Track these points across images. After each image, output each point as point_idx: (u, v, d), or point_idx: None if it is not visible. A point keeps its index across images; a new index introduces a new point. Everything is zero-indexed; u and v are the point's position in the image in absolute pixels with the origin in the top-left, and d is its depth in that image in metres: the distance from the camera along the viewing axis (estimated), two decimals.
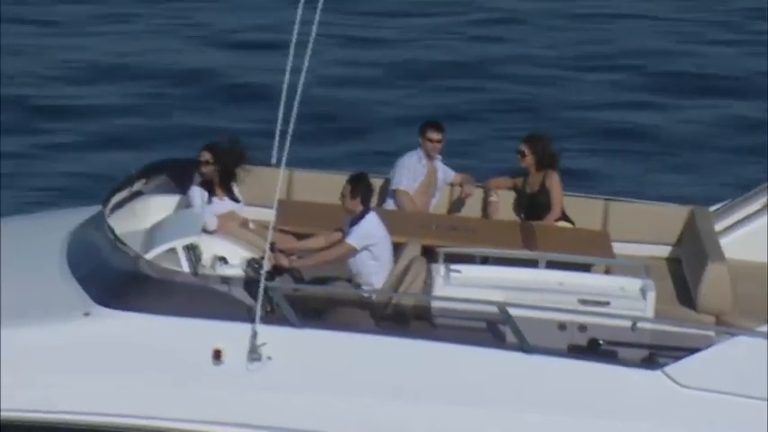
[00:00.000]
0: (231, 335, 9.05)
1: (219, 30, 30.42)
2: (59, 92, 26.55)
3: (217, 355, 8.92)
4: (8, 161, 21.91)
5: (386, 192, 11.82)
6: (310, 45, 8.99)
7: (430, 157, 11.62)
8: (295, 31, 9.02)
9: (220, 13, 31.52)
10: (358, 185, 9.85)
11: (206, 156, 10.56)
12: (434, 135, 11.64)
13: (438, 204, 11.87)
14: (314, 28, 8.87)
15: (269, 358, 8.99)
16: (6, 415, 9.09)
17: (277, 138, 9.47)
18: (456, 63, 28.42)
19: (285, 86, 9.47)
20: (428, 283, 9.87)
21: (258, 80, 26.04)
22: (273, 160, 10.53)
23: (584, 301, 9.54)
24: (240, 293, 9.43)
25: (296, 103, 8.92)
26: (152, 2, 32.09)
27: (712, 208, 12.16)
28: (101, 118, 24.60)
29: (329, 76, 24.30)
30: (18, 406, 9.19)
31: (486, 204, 12.02)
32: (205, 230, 9.97)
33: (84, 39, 29.98)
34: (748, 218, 11.87)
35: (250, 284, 9.36)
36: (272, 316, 9.16)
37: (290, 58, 9.21)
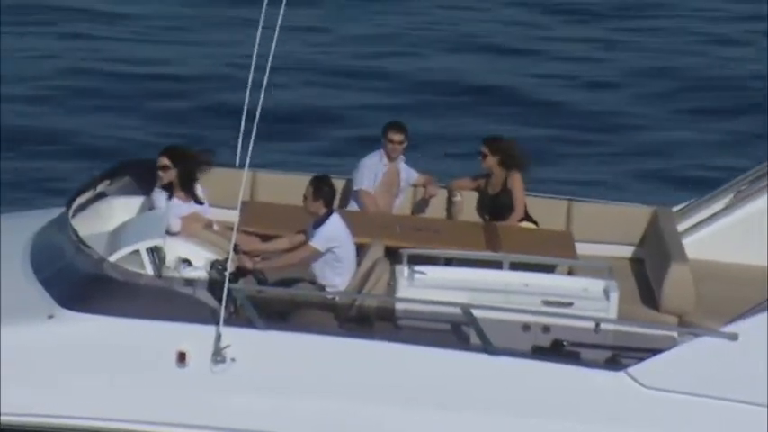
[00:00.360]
0: (195, 337, 8.97)
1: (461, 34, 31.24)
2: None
3: (181, 357, 8.88)
4: None
5: (348, 193, 11.67)
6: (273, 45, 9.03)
7: (391, 158, 11.52)
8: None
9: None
10: (320, 187, 9.81)
11: (164, 161, 10.54)
12: (396, 136, 11.55)
13: (401, 205, 11.84)
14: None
15: (233, 360, 8.90)
16: None
17: (240, 139, 9.25)
18: None
19: (249, 87, 9.28)
20: (392, 285, 9.82)
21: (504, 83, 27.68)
22: (237, 162, 10.23)
23: (547, 302, 9.56)
24: (204, 295, 9.34)
25: (259, 104, 8.78)
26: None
27: (675, 208, 12.02)
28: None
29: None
30: None
31: (449, 205, 11.94)
32: (168, 232, 9.83)
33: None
34: (711, 218, 11.88)
35: (214, 286, 9.27)
36: (236, 318, 9.14)
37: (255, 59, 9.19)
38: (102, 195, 11.14)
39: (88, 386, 9.08)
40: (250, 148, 9.21)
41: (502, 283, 9.88)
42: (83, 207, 10.79)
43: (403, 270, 9.71)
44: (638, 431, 9.14)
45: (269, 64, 8.84)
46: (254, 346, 9.12)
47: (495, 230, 11.36)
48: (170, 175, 10.48)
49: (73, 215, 10.47)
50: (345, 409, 9.18)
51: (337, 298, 10.05)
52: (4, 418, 9.04)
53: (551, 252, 10.93)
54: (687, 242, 11.40)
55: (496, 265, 10.22)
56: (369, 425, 9.22)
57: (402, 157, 11.78)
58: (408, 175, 11.69)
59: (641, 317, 10.61)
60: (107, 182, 11.54)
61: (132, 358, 9.10)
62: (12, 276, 10.01)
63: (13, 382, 8.94)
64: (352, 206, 11.74)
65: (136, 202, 11.22)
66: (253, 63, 9.14)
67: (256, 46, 8.93)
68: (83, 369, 9.06)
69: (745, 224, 11.93)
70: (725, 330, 9.02)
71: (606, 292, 9.87)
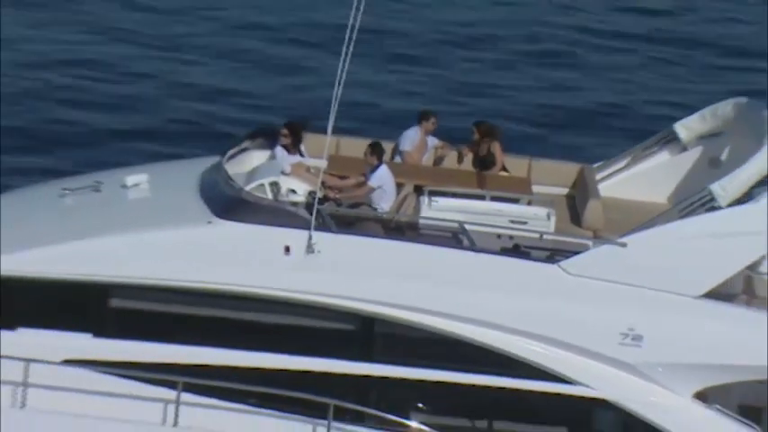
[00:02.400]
0: (296, 237, 13.03)
1: None
2: None
3: (287, 249, 13.02)
4: None
5: (395, 151, 15.89)
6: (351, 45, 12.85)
7: (426, 133, 15.88)
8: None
9: None
10: (375, 148, 14.19)
11: (284, 130, 14.74)
12: (431, 120, 16.04)
13: (426, 160, 16.05)
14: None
15: (318, 252, 13.01)
16: None
17: (332, 116, 13.05)
18: None
19: (339, 76, 12.84)
20: (417, 208, 14.07)
21: None
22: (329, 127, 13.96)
23: (512, 221, 13.79)
24: (303, 212, 13.39)
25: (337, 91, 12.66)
26: None
27: (596, 165, 16.40)
28: None
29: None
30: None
31: (459, 159, 16.30)
32: (283, 173, 13.97)
33: None
34: (618, 171, 16.24)
35: (309, 207, 13.39)
36: (322, 226, 13.16)
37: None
38: (244, 149, 15.15)
39: (240, 264, 13.16)
40: (331, 121, 13.05)
41: (484, 209, 14.08)
42: (232, 156, 14.73)
43: (425, 199, 13.95)
44: (564, 300, 13.30)
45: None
46: (331, 243, 13.14)
47: (483, 177, 15.49)
48: (286, 139, 14.62)
49: (226, 161, 14.39)
50: (383, 282, 13.24)
51: (383, 216, 14.11)
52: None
53: (516, 190, 14.99)
54: (601, 186, 15.47)
55: (482, 197, 14.34)
56: (401, 293, 13.23)
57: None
58: (431, 141, 15.91)
59: (569, 231, 14.48)
60: (248, 141, 15.45)
61: (265, 250, 13.21)
62: (187, 198, 14.25)
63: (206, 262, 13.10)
64: (396, 160, 15.65)
65: (264, 154, 15.15)
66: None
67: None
68: (234, 256, 13.14)
69: (641, 174, 16.02)
70: (619, 240, 13.13)
71: (548, 216, 14.00)
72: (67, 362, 13.00)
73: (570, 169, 16.60)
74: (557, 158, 17.55)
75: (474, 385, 13.89)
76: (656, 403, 13.72)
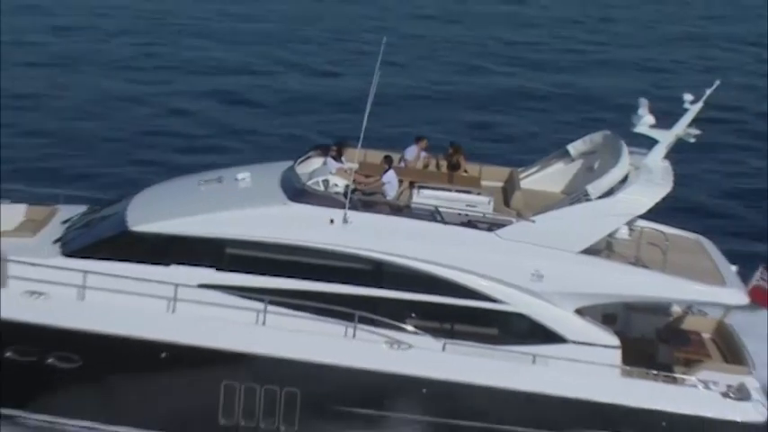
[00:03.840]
0: (337, 213, 19.29)
1: None
2: None
3: (331, 221, 19.38)
4: None
5: (400, 159, 21.98)
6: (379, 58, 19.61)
7: (420, 149, 22.05)
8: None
9: None
10: (386, 159, 20.76)
11: (333, 147, 21.00)
12: (422, 143, 22.19)
13: (418, 166, 22.20)
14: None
15: (351, 221, 19.33)
16: None
17: (363, 132, 19.49)
18: None
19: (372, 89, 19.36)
20: (410, 197, 20.32)
21: None
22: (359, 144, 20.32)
23: (468, 205, 20.02)
24: (341, 198, 19.51)
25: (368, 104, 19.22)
26: None
27: (519, 168, 22.27)
28: None
29: None
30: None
31: (437, 165, 22.30)
32: (330, 173, 20.24)
33: None
34: (532, 173, 22.31)
35: (345, 195, 19.50)
36: (352, 207, 19.36)
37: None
38: (308, 157, 21.37)
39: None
40: (361, 137, 19.41)
41: (450, 197, 20.16)
42: (300, 162, 21.03)
43: (415, 191, 20.26)
44: (497, 254, 19.33)
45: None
46: (358, 217, 19.38)
47: (452, 177, 21.61)
48: (333, 152, 20.96)
49: (296, 165, 20.72)
50: (388, 240, 19.27)
51: (390, 201, 20.32)
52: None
53: (471, 186, 21.13)
54: (522, 182, 21.57)
55: (449, 190, 20.48)
56: (398, 247, 19.23)
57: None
58: (423, 154, 22.11)
59: (502, 212, 20.55)
60: (311, 152, 21.70)
61: (313, 221, 19.26)
62: (272, 188, 20.32)
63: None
64: (401, 165, 21.78)
65: (319, 161, 21.39)
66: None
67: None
68: (301, 222, 19.34)
69: (547, 175, 22.16)
70: (531, 218, 19.53)
71: (489, 202, 20.16)
72: (201, 285, 19.38)
73: (503, 171, 22.74)
74: (496, 165, 23.29)
75: (443, 304, 19.71)
76: (551, 315, 19.66)
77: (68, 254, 19.93)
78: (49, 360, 19.43)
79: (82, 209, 22.38)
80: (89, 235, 20.62)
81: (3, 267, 19.27)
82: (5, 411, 19.95)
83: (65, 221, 21.62)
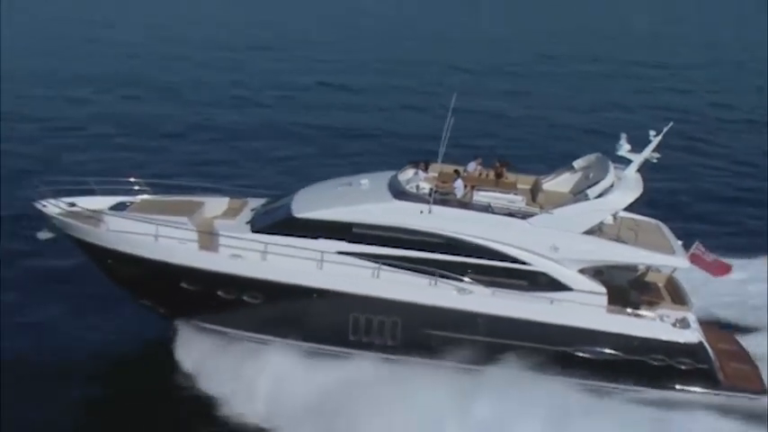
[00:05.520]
0: (425, 207, 27.66)
1: None
2: None
3: (421, 212, 28.06)
4: None
5: (465, 170, 30.56)
6: None
7: (477, 164, 30.64)
8: None
9: None
10: (456, 171, 29.65)
11: (422, 163, 29.97)
12: (479, 160, 31.15)
13: (476, 175, 30.81)
14: None
15: (433, 212, 27.69)
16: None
17: (441, 152, 28.83)
18: None
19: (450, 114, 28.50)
20: (471, 196, 29.23)
21: None
22: (439, 161, 29.54)
23: (509, 201, 29.19)
24: (428, 197, 27.99)
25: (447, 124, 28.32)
26: None
27: (542, 177, 30.98)
28: None
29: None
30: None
31: (488, 175, 30.69)
32: (420, 180, 29.54)
33: None
34: (550, 179, 30.81)
35: (430, 194, 27.94)
36: (435, 203, 27.71)
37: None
38: (406, 168, 30.05)
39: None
40: (440, 155, 28.80)
41: (496, 197, 28.97)
42: (401, 171, 29.92)
43: (475, 193, 29.05)
44: (528, 234, 27.49)
45: None
46: (438, 209, 27.69)
47: (497, 183, 30.55)
48: (422, 166, 29.95)
49: (399, 173, 29.61)
50: (458, 223, 27.39)
51: (459, 198, 29.19)
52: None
53: (510, 189, 29.70)
54: (544, 186, 30.40)
55: (495, 191, 29.39)
56: (465, 228, 27.44)
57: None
58: (479, 167, 30.80)
59: (531, 206, 29.16)
60: (407, 166, 30.31)
61: (411, 213, 27.52)
62: (382, 190, 28.48)
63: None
64: (464, 174, 30.23)
65: (412, 171, 29.81)
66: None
67: None
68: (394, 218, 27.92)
69: (560, 182, 30.87)
70: (551, 211, 28.45)
71: (523, 200, 29.09)
72: (337, 252, 27.42)
73: (531, 179, 30.61)
74: (526, 174, 31.07)
75: (492, 266, 27.18)
76: (562, 273, 27.43)
77: (255, 231, 29.02)
78: (244, 297, 28.52)
79: (263, 201, 31.49)
80: (268, 218, 29.66)
81: (216, 240, 29.31)
82: (219, 328, 29.43)
83: (253, 209, 30.84)
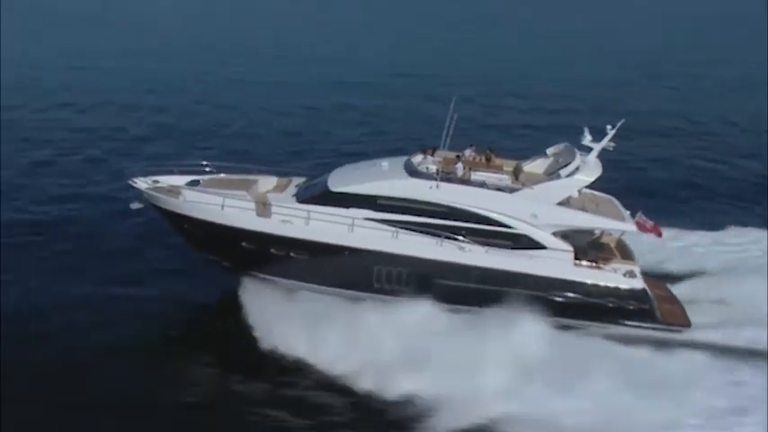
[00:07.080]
0: (433, 183, 34.02)
1: None
2: None
3: (430, 187, 33.78)
4: None
5: (462, 155, 37.56)
6: None
7: (473, 150, 37.39)
8: None
9: None
10: (458, 156, 36.63)
11: (429, 149, 36.42)
12: (473, 147, 37.82)
13: (471, 159, 37.77)
14: None
15: (440, 187, 33.95)
16: None
17: (444, 141, 36.25)
18: None
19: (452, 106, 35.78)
20: (469, 175, 35.95)
21: None
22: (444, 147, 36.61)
23: (498, 179, 36.97)
24: (435, 175, 34.49)
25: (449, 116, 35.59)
26: None
27: (523, 161, 37.93)
28: None
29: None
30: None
31: (480, 160, 37.70)
32: (429, 162, 36.01)
33: None
34: (528, 162, 38.00)
35: (437, 173, 34.60)
36: (441, 180, 34.08)
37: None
38: (417, 153, 36.43)
39: (425, 190, 34.04)
40: (443, 143, 36.42)
41: (488, 175, 36.04)
42: (413, 155, 36.32)
43: (471, 172, 36.05)
44: (514, 204, 34.28)
45: None
46: (444, 185, 34.04)
47: (488, 165, 37.48)
48: (430, 151, 36.47)
49: (412, 157, 35.77)
50: (460, 196, 33.84)
51: (460, 176, 36.01)
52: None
53: (497, 169, 37.00)
54: (524, 167, 37.29)
55: (487, 171, 36.51)
56: (466, 200, 33.61)
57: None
58: (474, 152, 37.92)
59: (515, 183, 36.05)
60: (418, 151, 36.52)
61: (421, 188, 33.85)
62: (400, 170, 34.94)
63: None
64: (463, 158, 37.01)
65: (422, 156, 36.26)
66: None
67: None
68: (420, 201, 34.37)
69: (537, 164, 37.88)
70: (532, 186, 35.94)
71: (509, 179, 36.21)
72: (365, 218, 33.22)
73: (513, 162, 37.03)
74: (509, 159, 36.70)
75: (485, 229, 32.92)
76: (539, 235, 33.97)
77: (300, 201, 35.36)
78: (292, 254, 34.93)
79: (304, 179, 37.94)
80: (309, 191, 35.91)
81: (269, 208, 35.82)
82: (271, 278, 35.95)
83: (297, 185, 37.30)
